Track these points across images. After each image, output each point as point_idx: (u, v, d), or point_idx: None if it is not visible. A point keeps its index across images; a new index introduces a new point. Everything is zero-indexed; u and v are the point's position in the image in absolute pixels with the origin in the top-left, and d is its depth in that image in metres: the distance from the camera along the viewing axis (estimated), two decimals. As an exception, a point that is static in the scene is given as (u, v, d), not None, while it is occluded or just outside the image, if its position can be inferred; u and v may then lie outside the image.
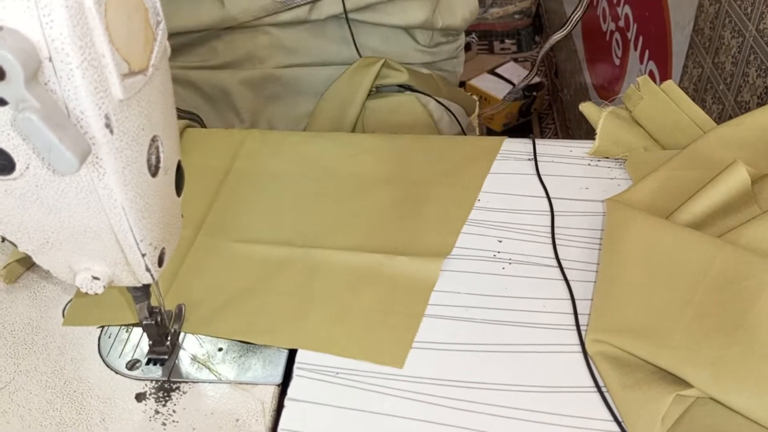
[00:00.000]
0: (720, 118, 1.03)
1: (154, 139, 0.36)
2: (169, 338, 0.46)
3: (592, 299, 0.49)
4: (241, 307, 0.49)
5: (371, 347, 0.46)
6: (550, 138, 1.98)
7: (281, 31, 0.76)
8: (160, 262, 0.39)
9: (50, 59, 0.30)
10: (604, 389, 0.43)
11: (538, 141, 0.64)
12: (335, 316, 0.48)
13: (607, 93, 1.55)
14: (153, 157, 0.36)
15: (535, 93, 1.95)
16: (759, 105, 0.91)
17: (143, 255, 0.37)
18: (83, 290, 0.38)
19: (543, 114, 2.08)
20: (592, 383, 0.44)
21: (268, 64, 0.77)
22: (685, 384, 0.41)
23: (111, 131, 0.32)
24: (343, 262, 0.52)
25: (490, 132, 1.95)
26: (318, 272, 0.51)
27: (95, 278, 0.38)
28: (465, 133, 0.98)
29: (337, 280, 0.51)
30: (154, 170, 0.36)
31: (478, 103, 1.09)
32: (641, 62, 1.33)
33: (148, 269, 0.38)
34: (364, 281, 0.50)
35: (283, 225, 0.56)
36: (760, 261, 0.44)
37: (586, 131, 0.63)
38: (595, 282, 0.50)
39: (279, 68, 0.77)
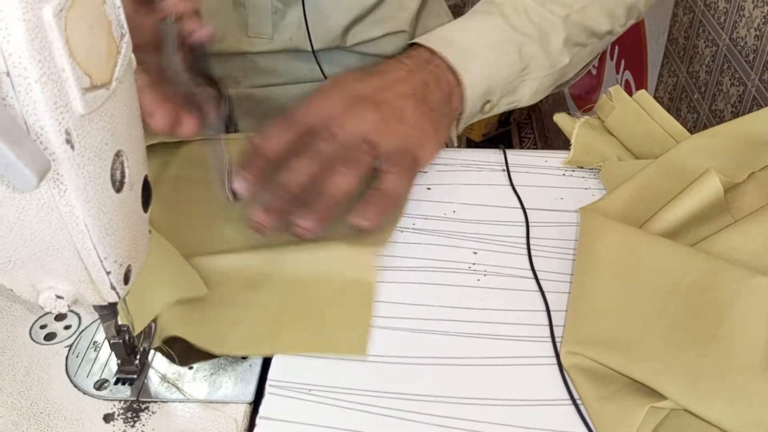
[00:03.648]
0: (695, 127, 1.04)
1: (118, 154, 0.35)
2: (138, 357, 0.45)
3: (566, 310, 0.48)
4: (206, 318, 0.48)
5: (329, 342, 0.46)
6: (529, 147, 1.99)
7: (256, 54, 0.75)
8: (126, 280, 0.38)
9: (8, 74, 0.29)
10: (579, 402, 0.43)
11: (513, 152, 0.64)
12: (281, 318, 0.48)
13: (585, 103, 1.56)
14: (117, 173, 0.36)
15: (513, 103, 1.95)
16: (733, 113, 0.92)
17: (108, 273, 0.36)
18: (47, 309, 0.37)
19: (522, 123, 2.09)
20: (567, 396, 0.44)
21: (242, 85, 0.77)
22: (660, 396, 0.40)
23: (72, 147, 0.31)
24: (290, 262, 0.52)
25: (469, 142, 1.95)
26: (260, 278, 0.51)
27: (59, 297, 0.37)
28: (447, 144, 0.98)
29: (286, 281, 0.50)
30: (118, 186, 0.36)
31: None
32: (617, 72, 1.34)
33: (113, 287, 0.37)
34: (306, 281, 0.50)
35: (212, 235, 0.55)
36: (733, 270, 0.44)
37: (565, 140, 0.63)
38: (569, 293, 0.50)
39: (253, 88, 0.77)
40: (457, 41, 0.62)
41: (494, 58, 0.62)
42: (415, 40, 0.63)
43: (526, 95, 0.66)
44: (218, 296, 0.49)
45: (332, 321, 0.48)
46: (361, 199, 0.52)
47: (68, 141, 0.31)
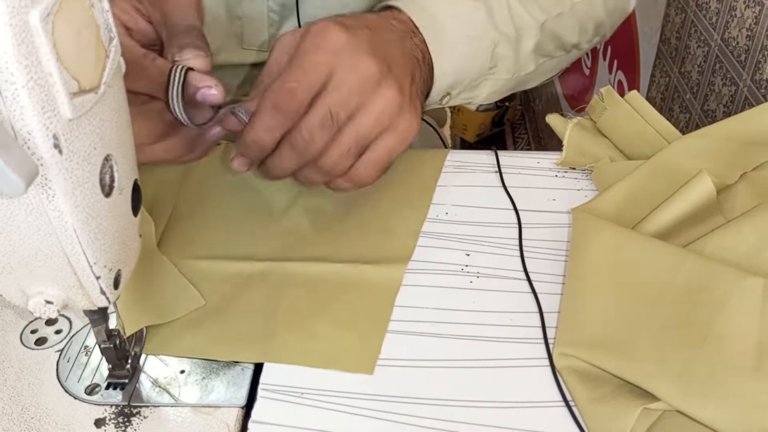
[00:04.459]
0: (687, 127, 1.04)
1: (107, 159, 0.35)
2: (129, 361, 0.45)
3: (559, 312, 0.48)
4: (205, 325, 0.48)
5: (339, 356, 0.46)
6: (523, 148, 1.99)
7: (251, 65, 0.75)
8: (116, 285, 0.38)
9: (-6, 79, 0.29)
10: (572, 403, 0.43)
11: (505, 153, 0.64)
12: (301, 328, 0.48)
13: (578, 103, 1.56)
14: (107, 177, 0.35)
15: (507, 103, 1.96)
16: (725, 113, 0.92)
17: (97, 278, 0.36)
18: (36, 315, 0.37)
19: (516, 124, 2.09)
20: (560, 398, 0.44)
21: (234, 94, 0.77)
22: (652, 397, 0.40)
23: (60, 151, 0.31)
24: (304, 274, 0.52)
25: (463, 143, 1.95)
26: (281, 286, 0.50)
27: (48, 302, 0.36)
28: (444, 144, 0.98)
29: (300, 293, 0.50)
30: (108, 190, 0.35)
31: (450, 114, 1.09)
32: (610, 72, 1.34)
33: (103, 292, 0.37)
34: (328, 292, 0.50)
35: (241, 239, 0.55)
36: (725, 271, 0.44)
37: (559, 141, 0.63)
38: (562, 294, 0.50)
39: (246, 95, 0.77)
40: (439, 21, 0.57)
41: (468, 53, 0.59)
42: (396, 4, 0.57)
43: (483, 93, 0.62)
44: (225, 304, 0.50)
45: (345, 339, 0.47)
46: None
47: (56, 146, 0.31)
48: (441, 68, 0.57)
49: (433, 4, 0.58)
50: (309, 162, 0.49)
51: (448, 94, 0.60)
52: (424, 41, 0.56)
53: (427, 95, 0.58)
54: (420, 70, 0.54)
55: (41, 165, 0.31)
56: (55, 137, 0.31)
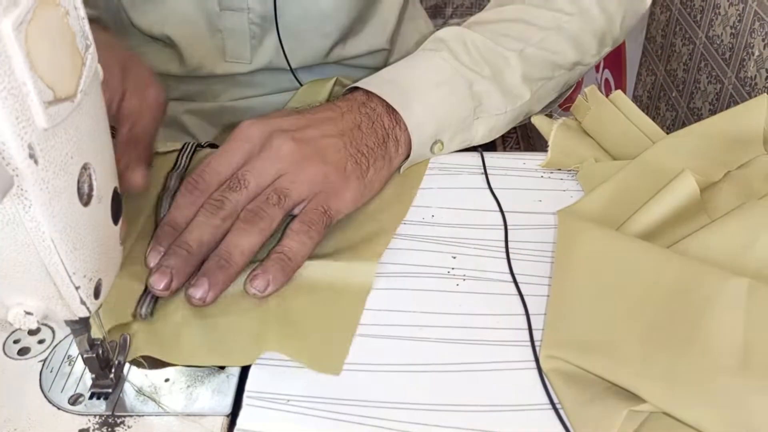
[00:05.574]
0: (674, 125, 1.05)
1: (85, 167, 0.35)
2: (112, 371, 0.44)
3: (545, 314, 0.48)
4: (186, 331, 0.48)
5: (309, 355, 0.46)
6: (511, 147, 1.99)
7: (235, 75, 0.75)
8: (97, 294, 0.37)
9: (-33, 89, 0.28)
10: (558, 406, 0.43)
11: (491, 154, 0.64)
12: (280, 329, 0.47)
13: (566, 102, 1.57)
14: (85, 186, 0.35)
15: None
16: (711, 111, 0.92)
17: (77, 288, 0.35)
18: (16, 326, 0.36)
19: (505, 123, 2.08)
20: (547, 400, 0.43)
21: (221, 99, 0.76)
22: (639, 399, 0.40)
23: (35, 161, 0.31)
24: None
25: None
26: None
27: (28, 313, 0.36)
28: None
29: (280, 293, 0.50)
30: (86, 199, 0.35)
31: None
32: (597, 71, 1.34)
33: (83, 302, 0.36)
34: (298, 292, 0.50)
35: None
36: (709, 272, 0.44)
37: (547, 140, 0.63)
38: (548, 296, 0.50)
39: (233, 101, 0.77)
40: (399, 81, 0.59)
41: (442, 96, 0.59)
42: (353, 84, 0.60)
43: (479, 133, 0.63)
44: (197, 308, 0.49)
45: (314, 337, 0.47)
46: (259, 264, 0.50)
47: (31, 156, 0.31)
48: (416, 119, 0.58)
49: (390, 71, 0.61)
50: (226, 219, 0.50)
51: (440, 141, 0.61)
52: (382, 103, 0.58)
53: (407, 155, 0.60)
54: (362, 135, 0.56)
55: (16, 176, 0.31)
56: (30, 147, 0.31)
